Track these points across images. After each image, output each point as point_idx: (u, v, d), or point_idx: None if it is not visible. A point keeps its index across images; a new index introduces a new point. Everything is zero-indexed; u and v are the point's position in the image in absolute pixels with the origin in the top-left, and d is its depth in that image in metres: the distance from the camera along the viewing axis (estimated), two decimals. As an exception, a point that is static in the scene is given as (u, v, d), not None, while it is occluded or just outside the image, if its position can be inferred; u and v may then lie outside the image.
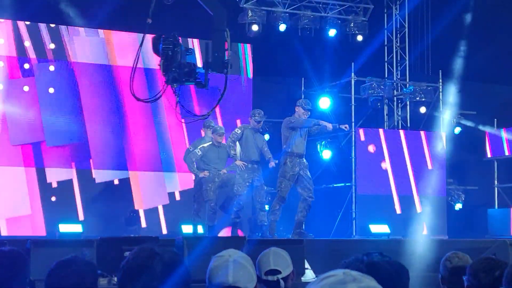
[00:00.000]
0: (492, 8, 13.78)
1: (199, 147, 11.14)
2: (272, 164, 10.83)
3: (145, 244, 2.00)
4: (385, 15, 15.11)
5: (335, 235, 12.68)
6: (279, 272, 3.72)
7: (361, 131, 13.12)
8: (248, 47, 13.84)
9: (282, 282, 3.70)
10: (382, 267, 2.51)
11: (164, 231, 12.62)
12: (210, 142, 11.18)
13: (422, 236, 11.72)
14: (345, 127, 11.10)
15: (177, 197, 12.95)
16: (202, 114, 8.74)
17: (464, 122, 14.33)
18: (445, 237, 12.93)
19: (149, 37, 7.51)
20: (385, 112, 14.95)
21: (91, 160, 12.54)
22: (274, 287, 3.70)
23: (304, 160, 10.71)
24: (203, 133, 11.75)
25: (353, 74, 13.73)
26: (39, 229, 11.98)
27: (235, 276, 2.73)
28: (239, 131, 10.92)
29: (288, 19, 13.94)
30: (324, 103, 13.97)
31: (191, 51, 7.41)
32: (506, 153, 14.05)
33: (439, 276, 3.92)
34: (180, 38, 7.35)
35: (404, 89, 14.68)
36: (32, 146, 12.22)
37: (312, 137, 11.44)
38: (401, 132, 13.84)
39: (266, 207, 11.30)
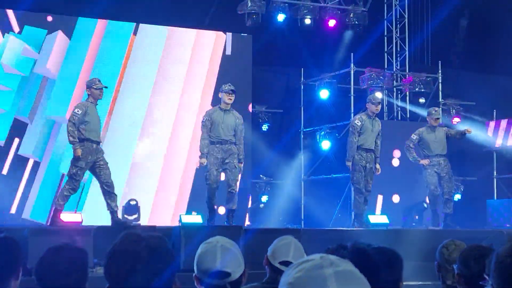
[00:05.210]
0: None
1: None
2: None
3: (131, 230, 2.01)
4: (385, 5, 15.06)
5: (334, 225, 12.68)
6: None
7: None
8: (247, 37, 13.81)
9: None
10: (368, 254, 2.51)
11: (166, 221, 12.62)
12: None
13: (421, 226, 11.73)
14: None
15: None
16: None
17: (468, 115, 14.31)
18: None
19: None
20: (385, 103, 14.93)
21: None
22: (279, 276, 3.63)
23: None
24: None
25: (352, 64, 13.71)
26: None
27: (223, 262, 2.76)
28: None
29: (288, 9, 13.90)
30: (324, 94, 13.98)
31: None
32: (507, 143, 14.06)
33: (435, 263, 3.92)
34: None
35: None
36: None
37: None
38: (399, 123, 13.80)
39: None
